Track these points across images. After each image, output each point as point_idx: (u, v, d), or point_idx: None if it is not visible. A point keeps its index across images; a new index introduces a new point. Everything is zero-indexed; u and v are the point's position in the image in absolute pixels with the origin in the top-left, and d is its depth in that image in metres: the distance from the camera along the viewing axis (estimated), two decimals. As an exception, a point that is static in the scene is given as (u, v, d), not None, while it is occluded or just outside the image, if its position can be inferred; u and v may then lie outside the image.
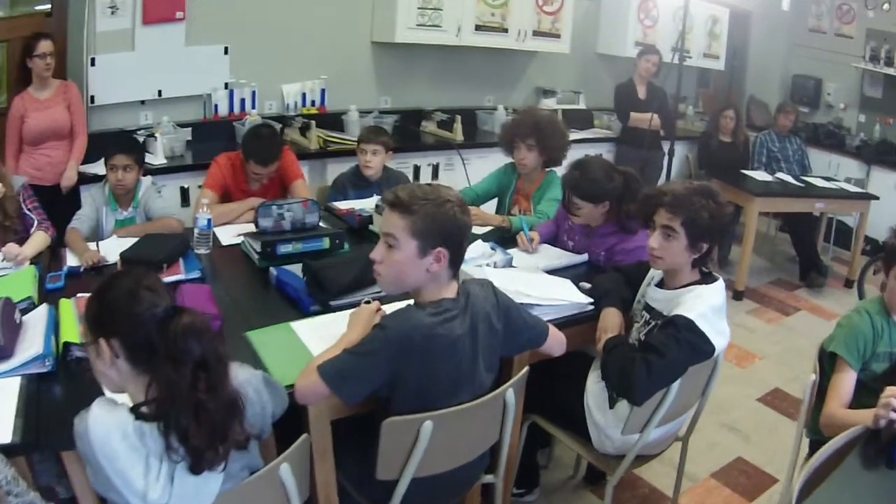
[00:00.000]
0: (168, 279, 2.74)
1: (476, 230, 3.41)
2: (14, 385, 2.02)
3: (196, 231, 3.17)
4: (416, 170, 5.60)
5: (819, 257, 6.33)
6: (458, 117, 5.88)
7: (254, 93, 5.31)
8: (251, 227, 3.26)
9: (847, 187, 6.16)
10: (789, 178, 6.18)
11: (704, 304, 2.31)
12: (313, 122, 5.25)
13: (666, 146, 5.60)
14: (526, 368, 2.27)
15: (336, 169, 4.77)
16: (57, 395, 2.05)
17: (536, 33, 6.32)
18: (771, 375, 4.49)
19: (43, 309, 2.41)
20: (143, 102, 4.93)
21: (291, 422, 1.98)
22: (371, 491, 2.17)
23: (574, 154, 3.76)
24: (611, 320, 2.58)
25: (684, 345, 2.24)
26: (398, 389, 1.96)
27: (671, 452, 2.85)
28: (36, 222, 3.22)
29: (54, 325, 2.31)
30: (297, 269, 2.78)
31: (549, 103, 6.77)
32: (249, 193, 3.82)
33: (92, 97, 4.62)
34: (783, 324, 5.40)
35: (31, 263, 2.93)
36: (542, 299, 2.61)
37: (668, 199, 2.36)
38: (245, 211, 3.60)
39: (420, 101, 6.28)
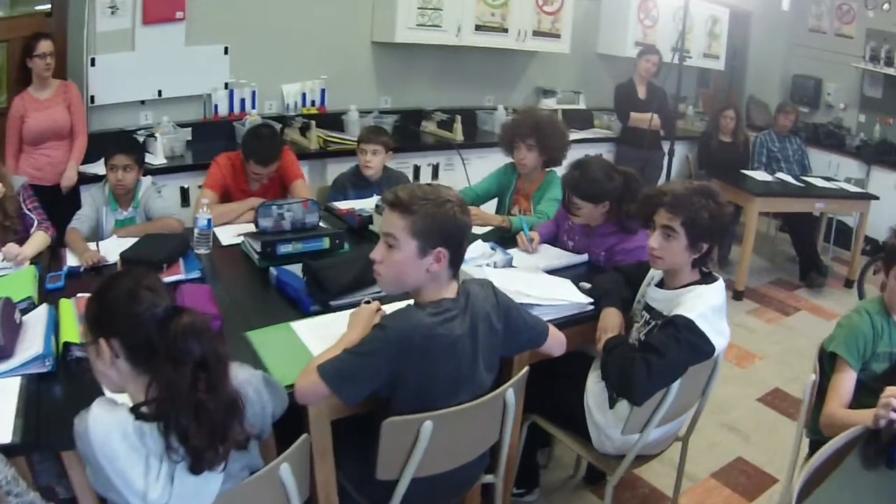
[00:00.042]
0: (168, 279, 2.74)
1: (476, 230, 3.41)
2: (14, 385, 2.02)
3: (196, 231, 3.17)
4: (416, 170, 5.60)
5: (819, 257, 6.33)
6: (458, 117, 5.88)
7: (254, 93, 5.30)
8: (251, 227, 3.26)
9: (847, 187, 6.16)
10: (789, 178, 6.18)
11: (704, 304, 2.31)
12: (313, 122, 5.25)
13: (666, 146, 5.59)
14: (526, 368, 2.27)
15: (336, 169, 4.77)
16: (57, 395, 2.04)
17: (536, 33, 6.31)
18: (771, 375, 4.49)
19: (43, 309, 2.41)
20: (143, 102, 4.92)
21: (291, 422, 1.98)
22: (371, 491, 2.16)
23: (574, 154, 3.76)
24: (611, 320, 2.58)
25: (684, 345, 2.24)
26: (398, 389, 1.96)
27: (671, 452, 2.85)
28: (36, 222, 3.22)
29: (54, 325, 2.30)
30: (297, 269, 2.78)
31: (549, 103, 6.77)
32: (249, 193, 3.82)
33: (92, 97, 4.62)
34: (783, 324, 5.40)
35: (31, 263, 2.93)
36: (542, 299, 2.61)
37: (668, 199, 2.36)
38: (245, 211, 3.60)
39: (420, 101, 6.27)
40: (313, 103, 5.64)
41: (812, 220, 6.40)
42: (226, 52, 5.13)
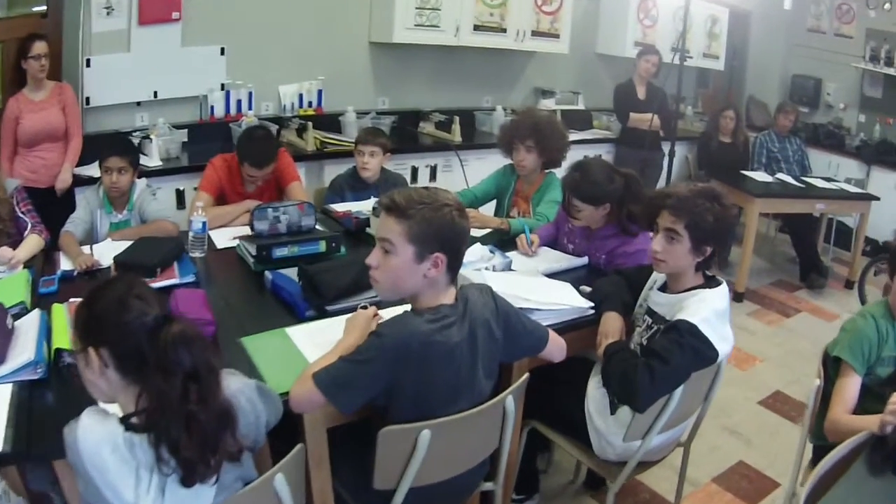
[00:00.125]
0: (162, 283, 2.72)
1: (475, 232, 3.38)
2: (5, 392, 1.99)
3: (191, 234, 3.13)
4: (414, 171, 5.56)
5: (819, 258, 6.31)
6: (457, 118, 5.84)
7: (250, 94, 5.27)
8: (247, 230, 3.23)
9: (847, 188, 6.14)
10: (789, 179, 6.16)
11: (708, 309, 2.28)
12: (310, 124, 5.22)
13: (666, 147, 5.57)
14: (526, 375, 2.23)
15: (333, 171, 4.75)
16: (48, 403, 2.01)
17: (535, 33, 6.29)
18: (772, 378, 4.46)
19: (35, 314, 2.38)
20: (138, 104, 4.89)
21: (287, 430, 1.95)
22: (368, 500, 2.13)
23: (573, 155, 3.74)
24: (612, 325, 2.54)
25: (688, 350, 2.21)
26: (395, 398, 1.92)
27: (672, 457, 2.81)
28: (30, 225, 3.19)
29: (46, 331, 2.27)
30: (292, 272, 2.75)
31: (547, 104, 6.74)
32: (245, 196, 3.79)
33: (87, 98, 4.59)
34: (784, 325, 5.37)
35: (24, 267, 2.90)
36: (542, 303, 2.58)
37: (672, 202, 2.33)
38: (241, 214, 3.58)
39: (418, 102, 6.25)
40: (310, 104, 5.61)
41: (812, 220, 6.37)
42: (222, 52, 5.10)
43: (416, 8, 5.51)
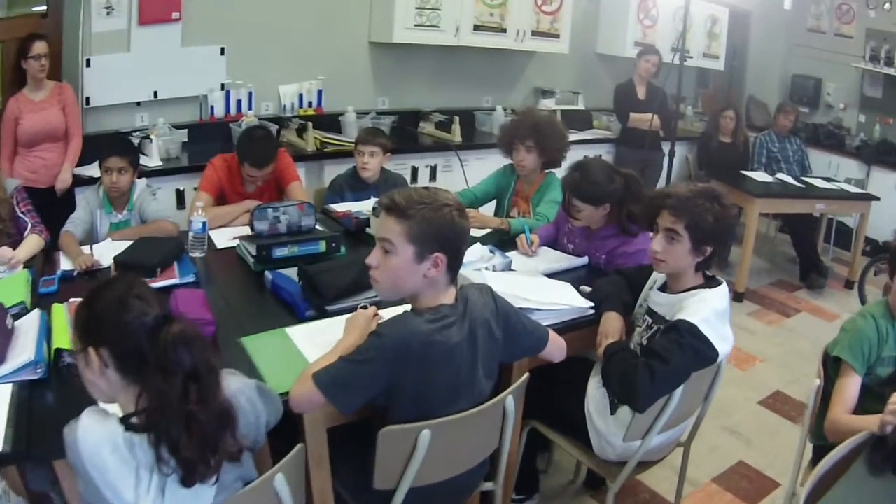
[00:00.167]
0: (162, 283, 2.72)
1: (475, 232, 3.38)
2: (5, 392, 1.99)
3: (191, 234, 3.13)
4: (414, 171, 5.56)
5: (819, 258, 6.30)
6: (457, 118, 5.84)
7: (250, 94, 5.27)
8: (247, 230, 3.22)
9: (847, 188, 6.13)
10: (789, 179, 6.15)
11: (708, 309, 2.27)
12: (310, 124, 5.21)
13: (666, 147, 5.56)
14: (526, 375, 2.23)
15: (333, 170, 4.75)
16: (49, 403, 2.01)
17: (535, 33, 6.29)
18: (772, 378, 4.46)
19: (35, 314, 2.38)
20: (138, 104, 4.89)
21: (287, 430, 1.95)
22: (368, 500, 2.12)
23: (573, 155, 3.74)
24: (611, 325, 2.54)
25: (688, 350, 2.20)
26: (395, 398, 1.92)
27: (672, 457, 2.81)
28: (30, 225, 3.18)
29: (46, 331, 2.27)
30: (292, 272, 2.75)
31: (547, 104, 6.74)
32: (245, 196, 3.79)
33: (87, 98, 4.59)
34: (784, 325, 5.37)
35: (24, 267, 2.90)
36: (542, 303, 2.58)
37: (672, 202, 2.32)
38: (241, 214, 3.57)
39: (418, 102, 6.24)
40: (310, 104, 5.60)
41: (812, 220, 6.37)
42: (222, 52, 5.10)
43: (416, 8, 5.51)
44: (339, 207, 3.83)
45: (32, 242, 3.09)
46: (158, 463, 1.46)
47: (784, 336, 5.16)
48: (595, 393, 2.52)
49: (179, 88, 5.00)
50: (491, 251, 3.15)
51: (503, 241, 3.45)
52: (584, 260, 3.26)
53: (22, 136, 4.15)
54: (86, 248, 3.10)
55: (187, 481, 1.48)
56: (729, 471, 3.48)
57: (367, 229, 3.49)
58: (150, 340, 1.48)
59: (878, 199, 6.04)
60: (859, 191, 6.20)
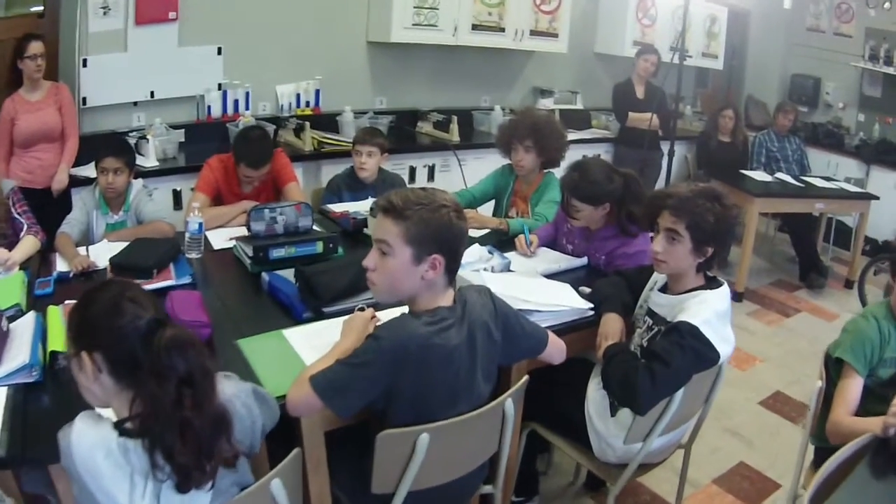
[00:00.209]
0: (158, 285, 2.70)
1: (473, 233, 3.37)
2: (0, 396, 1.97)
3: (187, 235, 3.11)
4: (412, 171, 5.54)
5: (819, 258, 6.29)
6: (455, 118, 5.82)
7: (247, 94, 5.25)
8: (243, 231, 3.20)
9: (847, 187, 6.12)
10: (789, 179, 6.14)
11: (709, 310, 2.26)
12: (307, 124, 5.20)
13: (665, 146, 5.55)
14: (525, 377, 2.21)
15: (331, 171, 4.73)
16: (44, 406, 1.99)
17: (534, 33, 6.28)
18: (772, 378, 4.45)
19: (30, 316, 2.36)
20: (135, 104, 4.87)
21: (284, 433, 1.93)
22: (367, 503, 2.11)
23: (572, 155, 3.72)
24: (611, 326, 2.52)
25: (689, 352, 2.19)
26: (394, 401, 1.89)
27: (673, 458, 2.79)
28: (25, 226, 3.16)
29: (42, 334, 2.25)
30: (289, 274, 2.73)
31: (546, 103, 6.73)
32: (242, 196, 3.76)
33: (84, 99, 4.57)
34: (784, 325, 5.36)
35: (20, 269, 2.88)
36: (542, 305, 2.56)
37: (673, 202, 2.30)
38: (237, 214, 3.55)
39: (416, 102, 6.22)
40: (308, 104, 5.59)
41: (812, 220, 6.37)
42: (219, 52, 5.08)
43: (414, 7, 5.49)
44: (337, 208, 3.81)
45: (28, 244, 3.07)
46: (153, 469, 1.44)
47: (784, 336, 5.15)
48: (595, 395, 2.50)
49: (176, 88, 4.98)
50: (489, 252, 3.13)
51: (502, 241, 3.44)
52: (584, 260, 3.24)
53: (18, 136, 4.13)
54: (82, 250, 3.08)
55: (182, 487, 1.46)
56: (730, 472, 3.47)
57: (365, 230, 3.47)
58: (144, 345, 1.46)
59: (877, 198, 6.03)
60: (859, 190, 6.18)
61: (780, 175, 6.23)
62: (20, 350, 2.12)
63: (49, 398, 2.02)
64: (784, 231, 6.86)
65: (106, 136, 4.62)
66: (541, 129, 3.67)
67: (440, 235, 1.88)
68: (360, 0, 5.65)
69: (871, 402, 2.37)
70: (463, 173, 5.38)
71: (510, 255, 3.21)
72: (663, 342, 2.24)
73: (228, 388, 1.65)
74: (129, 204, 3.51)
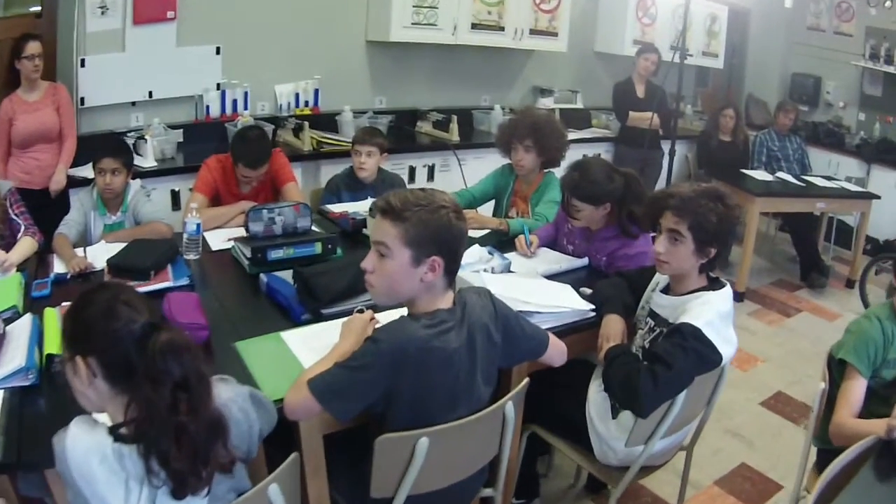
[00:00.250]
0: (156, 286, 2.68)
1: (473, 233, 3.34)
2: (-4, 399, 1.95)
3: (185, 236, 3.09)
4: (412, 171, 5.52)
5: (820, 257, 6.27)
6: (455, 117, 5.80)
7: (246, 93, 5.24)
8: (242, 232, 3.19)
9: (848, 186, 6.10)
10: (789, 178, 6.13)
11: (712, 311, 2.24)
12: (306, 123, 5.18)
13: (665, 146, 5.53)
14: (526, 380, 2.18)
15: (330, 171, 4.71)
16: (40, 410, 1.97)
17: (533, 32, 6.26)
18: (773, 379, 4.43)
19: (27, 319, 2.34)
20: (133, 104, 4.86)
21: (283, 436, 1.91)
22: (366, 508, 2.09)
23: (572, 154, 3.70)
24: (613, 327, 2.49)
25: (691, 354, 2.17)
26: (393, 404, 1.87)
27: (674, 460, 2.77)
28: (23, 227, 3.15)
29: (38, 336, 2.23)
30: (288, 275, 2.71)
31: (546, 102, 6.71)
32: (240, 197, 3.74)
33: (82, 99, 4.56)
34: (785, 325, 5.34)
35: (17, 270, 2.86)
36: (542, 306, 2.54)
37: (675, 202, 2.28)
38: (235, 215, 3.53)
39: (415, 101, 6.21)
40: (307, 104, 5.57)
41: (813, 219, 6.36)
42: (217, 52, 5.06)
43: (414, 6, 5.47)
44: (336, 208, 3.79)
45: (25, 245, 3.05)
46: (148, 475, 1.43)
47: (785, 336, 5.13)
48: (596, 397, 2.48)
49: (175, 88, 4.96)
50: (490, 252, 3.11)
51: (502, 242, 3.42)
52: (584, 261, 3.22)
53: (16, 137, 4.11)
54: (79, 251, 3.07)
55: (178, 494, 1.44)
56: (731, 473, 3.45)
57: (364, 230, 3.45)
58: (139, 349, 1.44)
59: (878, 197, 6.01)
60: (860, 189, 6.16)
61: (780, 174, 6.21)
62: (16, 353, 2.10)
63: (45, 402, 2.00)
64: (785, 230, 6.85)
65: (104, 136, 4.60)
66: (541, 129, 3.65)
67: (439, 237, 1.86)
68: (359, -1, 5.64)
69: (875, 404, 2.36)
70: (463, 173, 5.35)
71: (510, 255, 3.19)
72: (665, 344, 2.22)
73: (225, 392, 1.63)
74: (127, 205, 3.49)
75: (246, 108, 5.23)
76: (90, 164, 3.64)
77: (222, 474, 1.54)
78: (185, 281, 2.76)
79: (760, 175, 6.13)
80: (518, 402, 2.15)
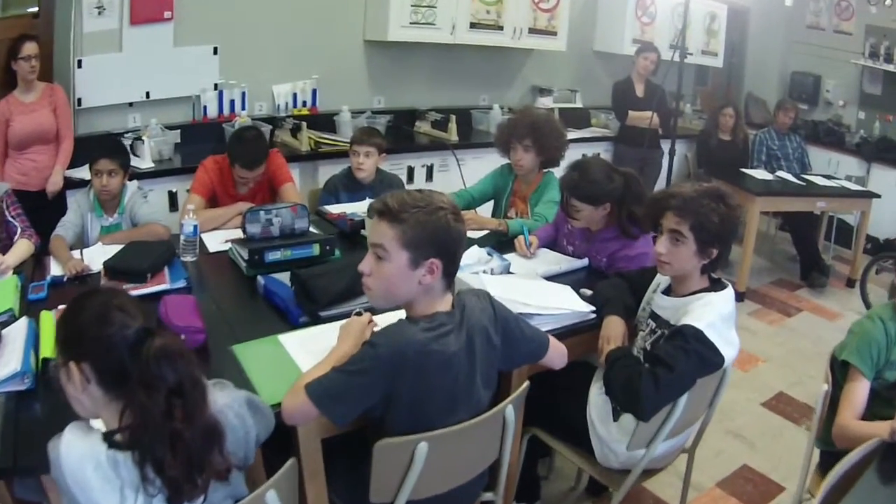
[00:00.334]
0: (153, 289, 2.67)
1: (472, 234, 3.32)
2: (-9, 405, 1.93)
3: (182, 238, 3.07)
4: (410, 171, 5.51)
5: (820, 256, 6.25)
6: (453, 117, 5.78)
7: (244, 94, 5.22)
8: (239, 233, 3.17)
9: (848, 185, 6.08)
10: (790, 177, 6.11)
11: (714, 313, 2.22)
12: (304, 124, 5.16)
13: (665, 145, 5.52)
14: (526, 383, 2.16)
15: (328, 171, 4.69)
16: (36, 415, 1.95)
17: (532, 31, 6.24)
18: (774, 379, 4.41)
19: (23, 322, 2.33)
20: (130, 105, 4.84)
21: (282, 440, 1.89)
22: (365, 512, 2.07)
23: (571, 154, 3.69)
24: (613, 329, 2.47)
25: (693, 356, 2.15)
26: (392, 408, 1.85)
27: (676, 462, 2.75)
28: (19, 230, 3.13)
29: (34, 340, 2.21)
30: (285, 277, 2.68)
31: (545, 102, 6.69)
32: (237, 198, 3.72)
33: (79, 100, 4.54)
34: (785, 325, 5.32)
35: (13, 272, 2.84)
36: (542, 308, 2.52)
37: (677, 202, 2.26)
38: (233, 216, 3.51)
39: (414, 101, 6.19)
40: (304, 104, 5.55)
41: (813, 218, 6.34)
42: (215, 52, 5.04)
43: (412, 5, 5.45)
44: (334, 209, 3.77)
45: (22, 247, 3.04)
46: (143, 482, 1.41)
47: (786, 336, 5.11)
48: (597, 399, 2.46)
49: (172, 89, 4.94)
50: (489, 254, 3.09)
51: (501, 242, 3.40)
52: (585, 262, 3.20)
53: (12, 138, 4.09)
54: (76, 253, 3.05)
55: (173, 501, 1.43)
56: (733, 475, 3.43)
57: (363, 231, 3.43)
58: (132, 355, 1.42)
59: (878, 196, 5.99)
60: (860, 188, 6.15)
61: (780, 173, 6.19)
62: (12, 357, 2.08)
63: (41, 406, 1.99)
64: (785, 230, 6.83)
65: (100, 137, 4.59)
66: (540, 128, 3.63)
67: (437, 239, 1.84)
68: (357, -2, 5.62)
69: (878, 406, 2.34)
70: (462, 173, 5.34)
71: (510, 256, 3.17)
72: (667, 346, 2.20)
73: (221, 398, 1.61)
74: (124, 206, 3.47)
75: (243, 109, 5.21)
76: (87, 166, 3.61)
77: (218, 482, 1.52)
78: (182, 283, 2.75)
79: (760, 174, 6.12)
80: (518, 405, 2.13)
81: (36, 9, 4.68)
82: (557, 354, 2.26)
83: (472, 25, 5.83)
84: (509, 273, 3.01)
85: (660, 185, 5.78)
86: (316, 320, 2.47)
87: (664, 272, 2.40)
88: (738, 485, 3.36)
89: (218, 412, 1.54)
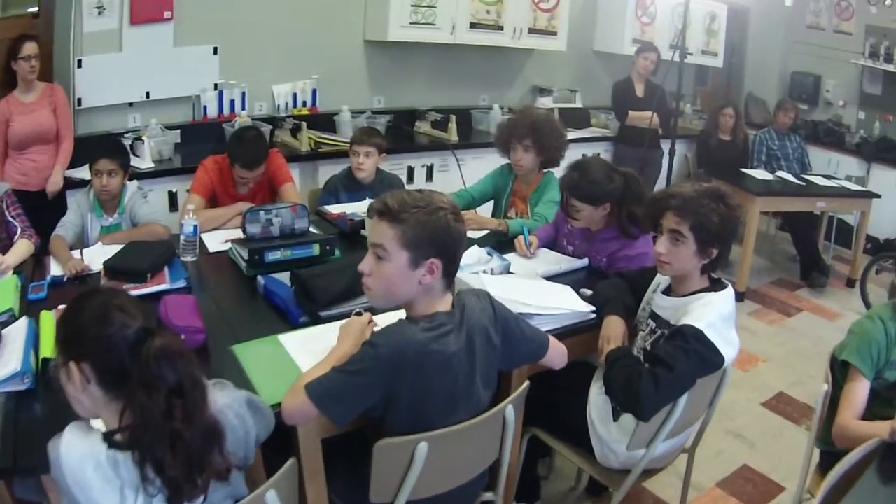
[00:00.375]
0: (153, 289, 2.67)
1: (472, 234, 3.32)
2: (-9, 405, 1.93)
3: (182, 238, 3.07)
4: (410, 171, 5.51)
5: (820, 256, 6.25)
6: (453, 117, 5.78)
7: (244, 94, 5.22)
8: (239, 233, 3.17)
9: (848, 185, 6.08)
10: (790, 177, 6.11)
11: (714, 313, 2.22)
12: (304, 124, 5.16)
13: (665, 145, 5.52)
14: (526, 383, 2.16)
15: (328, 171, 4.69)
16: (36, 415, 1.95)
17: (532, 31, 6.24)
18: (775, 379, 4.41)
19: (23, 322, 2.33)
20: (130, 104, 4.84)
21: (282, 440, 1.89)
22: (365, 512, 2.07)
23: (571, 154, 3.69)
24: (613, 329, 2.47)
25: (693, 356, 2.15)
26: (392, 408, 1.85)
27: (676, 462, 2.75)
28: (19, 230, 3.13)
29: (34, 340, 2.21)
30: (285, 277, 2.68)
31: (545, 102, 6.69)
32: (237, 198, 3.72)
33: (79, 100, 4.54)
34: (785, 325, 5.32)
35: (13, 273, 2.84)
36: (542, 308, 2.52)
37: (677, 202, 2.26)
38: (233, 216, 3.51)
39: (414, 101, 6.19)
40: (304, 104, 5.55)
41: (813, 218, 6.34)
42: (215, 52, 5.04)
43: (412, 6, 5.45)
44: (334, 209, 3.77)
45: (22, 247, 3.04)
46: (143, 482, 1.41)
47: (786, 336, 5.11)
48: (597, 399, 2.46)
49: (172, 89, 4.94)
50: (489, 254, 3.09)
51: (501, 242, 3.40)
52: (585, 262, 3.20)
53: (12, 138, 4.09)
54: (76, 253, 3.05)
55: (173, 501, 1.43)
56: (733, 475, 3.43)
57: (363, 231, 3.43)
58: (132, 355, 1.42)
59: (878, 196, 5.98)
60: (860, 188, 6.15)
61: (780, 173, 6.19)
62: (12, 357, 2.08)
63: (41, 406, 1.99)
64: (785, 230, 6.83)
65: (100, 137, 4.59)
66: (540, 128, 3.63)
67: (437, 239, 1.84)
68: (356, -2, 5.62)
69: (878, 406, 2.34)
70: (462, 173, 5.34)
71: (510, 256, 3.18)
72: (667, 346, 2.20)
73: (221, 398, 1.61)
74: (124, 206, 3.47)
75: (243, 109, 5.22)
76: (87, 166, 3.62)
77: (218, 482, 1.52)
78: (182, 283, 2.75)
79: (760, 174, 6.12)
80: (518, 405, 2.13)
81: (36, 9, 4.68)
82: (557, 354, 2.26)
83: (472, 25, 5.83)
84: (509, 273, 3.01)
85: (660, 185, 5.78)
86: (316, 320, 2.47)
87: (664, 272, 2.40)
88: (738, 485, 3.36)
89: (218, 412, 1.54)
